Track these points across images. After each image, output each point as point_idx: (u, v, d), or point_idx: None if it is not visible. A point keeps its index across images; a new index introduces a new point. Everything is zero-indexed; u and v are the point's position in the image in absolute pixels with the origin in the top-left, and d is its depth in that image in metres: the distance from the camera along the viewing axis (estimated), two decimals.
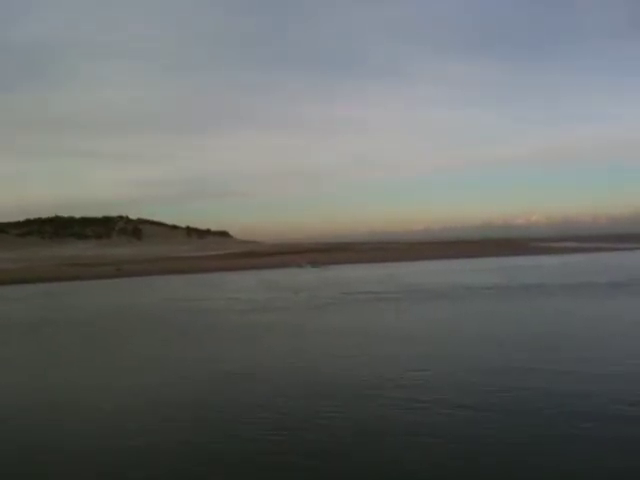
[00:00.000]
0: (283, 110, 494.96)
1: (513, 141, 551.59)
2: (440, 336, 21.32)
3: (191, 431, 11.53)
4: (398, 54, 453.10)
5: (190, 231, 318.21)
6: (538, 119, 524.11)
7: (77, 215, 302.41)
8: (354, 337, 21.34)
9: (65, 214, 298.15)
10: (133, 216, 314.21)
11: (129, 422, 12.34)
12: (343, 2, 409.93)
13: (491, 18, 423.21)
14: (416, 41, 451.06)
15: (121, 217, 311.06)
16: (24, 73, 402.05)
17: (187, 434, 11.32)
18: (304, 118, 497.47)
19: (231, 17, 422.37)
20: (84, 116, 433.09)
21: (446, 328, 23.22)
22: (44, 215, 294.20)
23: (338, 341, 20.71)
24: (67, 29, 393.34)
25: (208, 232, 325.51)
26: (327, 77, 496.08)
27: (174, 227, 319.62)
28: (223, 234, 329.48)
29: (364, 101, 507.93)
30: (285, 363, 17.38)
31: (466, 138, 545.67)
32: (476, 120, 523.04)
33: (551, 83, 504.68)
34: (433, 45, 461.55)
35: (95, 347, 22.00)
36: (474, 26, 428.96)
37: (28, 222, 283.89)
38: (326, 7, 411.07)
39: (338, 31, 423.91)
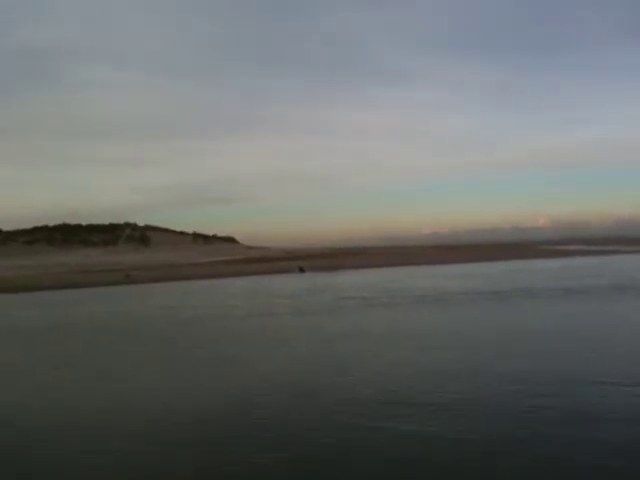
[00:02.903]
0: (284, 114, 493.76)
1: (514, 144, 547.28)
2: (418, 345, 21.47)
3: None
4: (398, 58, 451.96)
5: (196, 237, 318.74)
6: (539, 121, 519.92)
7: (84, 222, 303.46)
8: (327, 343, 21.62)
9: (72, 221, 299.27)
10: (140, 223, 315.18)
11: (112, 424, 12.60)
12: (343, 5, 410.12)
13: (491, 20, 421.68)
14: (416, 44, 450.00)
15: (128, 224, 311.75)
16: (28, 79, 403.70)
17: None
18: (305, 122, 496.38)
19: (231, 21, 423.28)
20: (87, 122, 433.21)
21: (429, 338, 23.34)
22: (51, 223, 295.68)
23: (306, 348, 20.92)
24: (69, 35, 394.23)
25: (214, 238, 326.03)
26: (327, 81, 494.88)
27: (181, 233, 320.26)
28: (230, 240, 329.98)
29: (364, 105, 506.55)
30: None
31: (466, 141, 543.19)
32: (476, 123, 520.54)
33: (552, 85, 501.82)
34: (433, 48, 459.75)
35: (104, 353, 22.24)
36: (474, 28, 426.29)
37: (35, 230, 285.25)
38: (326, 10, 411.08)
39: (338, 34, 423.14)
